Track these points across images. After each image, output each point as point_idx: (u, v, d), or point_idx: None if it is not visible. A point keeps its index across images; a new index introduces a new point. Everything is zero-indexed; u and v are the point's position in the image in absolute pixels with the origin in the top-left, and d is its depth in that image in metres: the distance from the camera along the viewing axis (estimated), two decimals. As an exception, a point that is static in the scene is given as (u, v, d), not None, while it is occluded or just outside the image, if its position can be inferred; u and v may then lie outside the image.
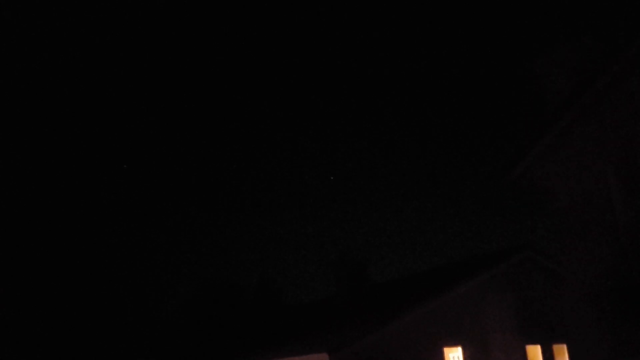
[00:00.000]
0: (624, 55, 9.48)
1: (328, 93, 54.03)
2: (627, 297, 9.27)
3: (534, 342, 16.24)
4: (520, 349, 15.97)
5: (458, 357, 15.29)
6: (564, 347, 16.60)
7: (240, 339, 22.66)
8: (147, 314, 24.95)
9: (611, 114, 9.90)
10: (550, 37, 11.38)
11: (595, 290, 9.76)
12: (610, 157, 9.81)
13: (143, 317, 24.84)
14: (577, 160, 10.40)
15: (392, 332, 14.70)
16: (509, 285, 16.53)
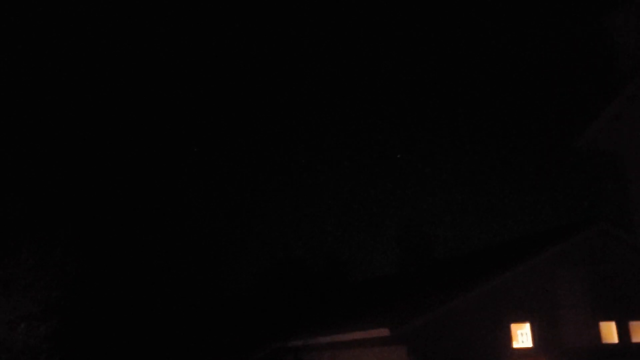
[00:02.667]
0: None
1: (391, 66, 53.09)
2: None
3: (608, 319, 15.44)
4: (594, 326, 15.22)
5: (526, 334, 14.73)
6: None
7: (305, 315, 22.80)
8: (215, 293, 25.48)
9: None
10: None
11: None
12: None
13: (212, 296, 25.39)
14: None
15: (456, 309, 14.31)
16: (582, 260, 15.75)
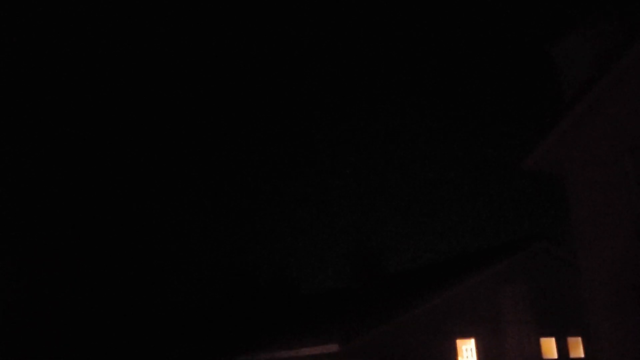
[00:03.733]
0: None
1: (340, 84, 53.63)
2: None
3: (548, 335, 15.98)
4: (535, 342, 15.71)
5: (471, 350, 15.09)
6: (579, 340, 16.31)
7: (253, 329, 22.66)
8: (161, 306, 25.04)
9: (629, 99, 9.59)
10: (566, 21, 11.05)
11: (613, 284, 9.48)
12: (628, 143, 9.51)
13: (158, 309, 24.93)
14: (594, 146, 10.10)
15: (404, 323, 14.54)
16: (524, 277, 16.27)
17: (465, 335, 15.07)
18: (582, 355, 16.13)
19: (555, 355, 15.84)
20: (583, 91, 9.98)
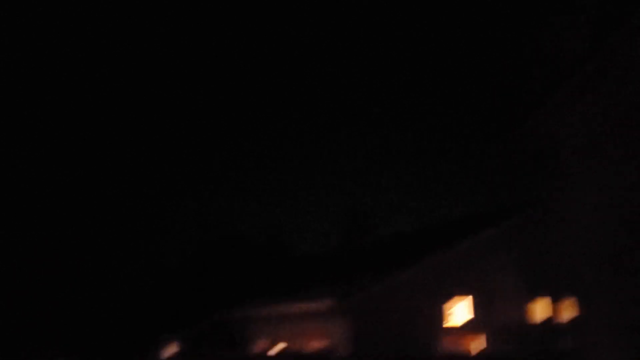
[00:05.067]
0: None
1: (331, 50, 53.15)
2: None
3: (543, 295, 16.20)
4: (527, 304, 15.93)
5: (464, 310, 15.29)
6: (572, 301, 16.56)
7: (246, 289, 22.83)
8: (152, 269, 25.08)
9: (624, 71, 9.54)
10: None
11: (604, 251, 9.59)
12: (619, 115, 9.49)
13: (148, 271, 24.99)
14: (587, 117, 10.09)
15: (399, 284, 14.68)
16: (518, 241, 16.41)
17: (459, 295, 15.24)
18: (576, 314, 16.36)
19: (551, 314, 16.07)
20: (581, 62, 9.91)
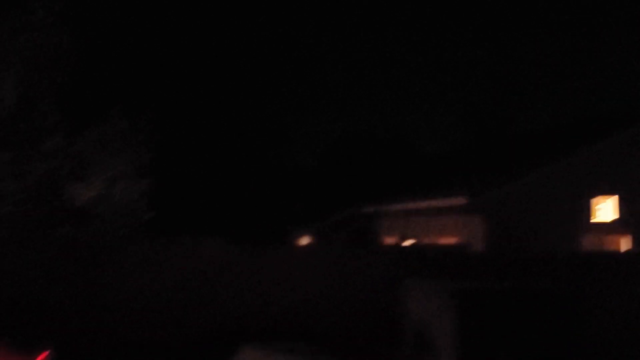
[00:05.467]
0: None
1: None
2: None
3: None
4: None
5: (609, 208, 14.43)
6: None
7: (377, 185, 23.11)
8: (284, 166, 25.76)
9: None
10: None
11: None
12: None
13: (281, 169, 25.71)
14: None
15: (536, 180, 14.11)
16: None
17: (603, 193, 14.38)
18: None
19: None
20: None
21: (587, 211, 14.24)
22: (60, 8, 10.12)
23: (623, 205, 14.27)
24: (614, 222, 14.28)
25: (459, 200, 13.90)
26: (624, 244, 14.17)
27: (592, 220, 14.20)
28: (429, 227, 15.87)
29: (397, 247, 16.53)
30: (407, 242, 16.73)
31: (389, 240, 17.71)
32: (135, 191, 11.01)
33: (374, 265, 8.55)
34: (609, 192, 14.32)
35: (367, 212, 18.90)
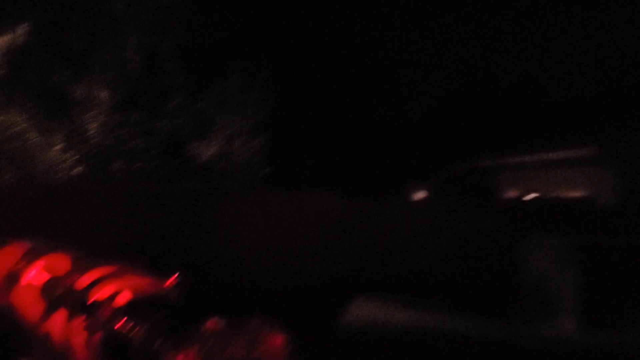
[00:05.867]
0: None
1: None
2: None
3: None
4: None
5: None
6: None
7: (496, 135, 22.27)
8: (396, 113, 25.45)
9: None
10: None
11: None
12: None
13: (396, 118, 25.44)
14: None
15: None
16: None
17: None
18: None
19: None
20: None
21: None
22: None
23: None
24: None
25: (587, 151, 13.09)
26: None
27: None
28: (553, 180, 15.14)
29: (519, 201, 15.94)
30: (530, 197, 16.08)
31: (511, 194, 17.10)
32: (252, 148, 11.41)
33: (494, 220, 8.30)
34: None
35: (486, 164, 18.33)
